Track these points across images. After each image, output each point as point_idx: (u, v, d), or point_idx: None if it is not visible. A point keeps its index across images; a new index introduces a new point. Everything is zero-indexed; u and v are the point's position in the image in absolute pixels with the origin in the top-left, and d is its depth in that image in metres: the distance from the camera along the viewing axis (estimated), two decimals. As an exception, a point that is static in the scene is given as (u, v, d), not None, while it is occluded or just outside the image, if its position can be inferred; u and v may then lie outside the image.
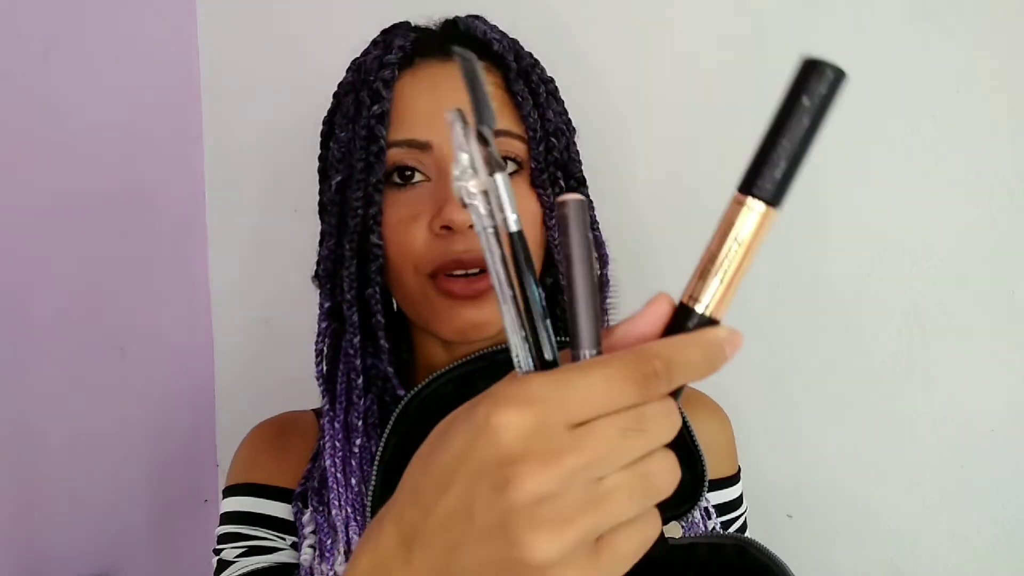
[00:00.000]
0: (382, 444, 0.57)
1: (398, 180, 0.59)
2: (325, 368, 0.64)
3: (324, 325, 0.64)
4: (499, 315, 0.32)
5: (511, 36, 0.66)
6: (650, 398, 0.29)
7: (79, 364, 0.83)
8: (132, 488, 0.91)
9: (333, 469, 0.59)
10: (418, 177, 0.59)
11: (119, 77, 0.86)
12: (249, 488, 0.64)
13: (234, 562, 0.60)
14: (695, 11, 0.82)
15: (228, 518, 0.63)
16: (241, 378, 1.02)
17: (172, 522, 0.93)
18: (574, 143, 0.67)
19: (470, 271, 0.58)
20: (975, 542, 0.80)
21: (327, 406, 0.63)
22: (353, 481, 0.59)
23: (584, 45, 0.86)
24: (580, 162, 0.67)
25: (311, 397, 0.69)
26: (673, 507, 0.52)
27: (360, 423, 0.60)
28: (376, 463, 0.57)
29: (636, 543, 0.30)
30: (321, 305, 0.65)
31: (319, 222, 0.66)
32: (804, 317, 0.83)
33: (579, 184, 0.66)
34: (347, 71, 0.65)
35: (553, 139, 0.62)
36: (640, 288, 0.83)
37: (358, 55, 0.65)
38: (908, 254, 0.79)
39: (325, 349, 0.64)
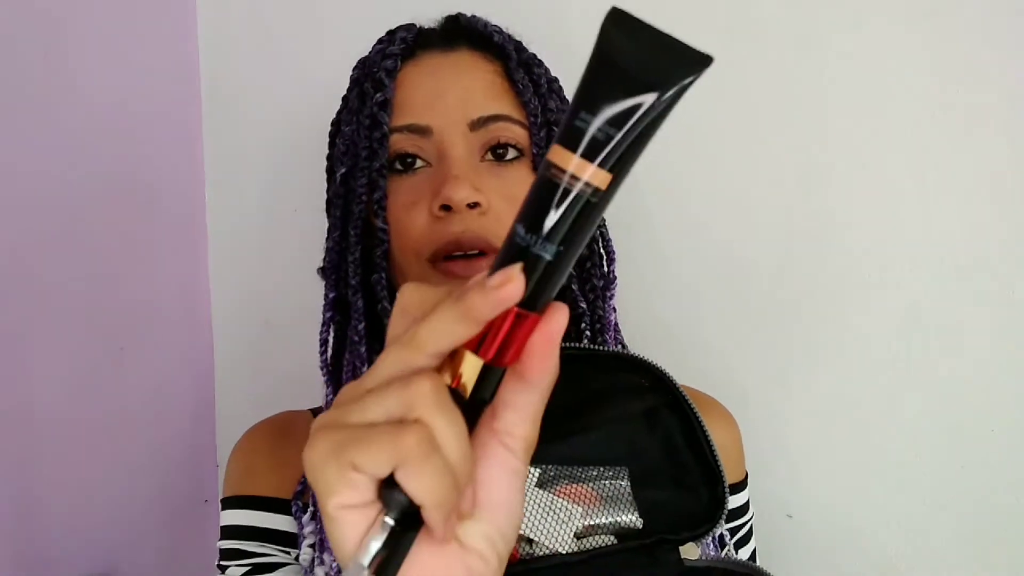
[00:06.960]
0: None
1: (399, 167, 0.60)
2: (330, 358, 0.64)
3: (329, 315, 0.64)
4: None
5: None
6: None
7: (79, 363, 0.83)
8: (132, 488, 0.91)
9: None
10: (419, 163, 0.60)
11: (119, 77, 0.86)
12: (248, 501, 0.62)
13: None
14: (691, 10, 0.82)
15: (229, 532, 0.61)
16: (241, 378, 1.02)
17: (172, 522, 0.93)
18: None
19: (469, 252, 0.58)
20: (975, 542, 0.80)
21: (330, 396, 0.62)
22: None
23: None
24: None
25: (311, 397, 0.70)
26: (692, 528, 0.51)
27: None
28: None
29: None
30: (326, 296, 0.65)
31: (326, 221, 0.66)
32: (804, 316, 0.83)
33: None
34: (353, 69, 0.66)
35: (555, 127, 0.62)
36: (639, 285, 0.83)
37: (364, 55, 0.66)
38: (908, 254, 0.79)
39: (330, 339, 0.64)
